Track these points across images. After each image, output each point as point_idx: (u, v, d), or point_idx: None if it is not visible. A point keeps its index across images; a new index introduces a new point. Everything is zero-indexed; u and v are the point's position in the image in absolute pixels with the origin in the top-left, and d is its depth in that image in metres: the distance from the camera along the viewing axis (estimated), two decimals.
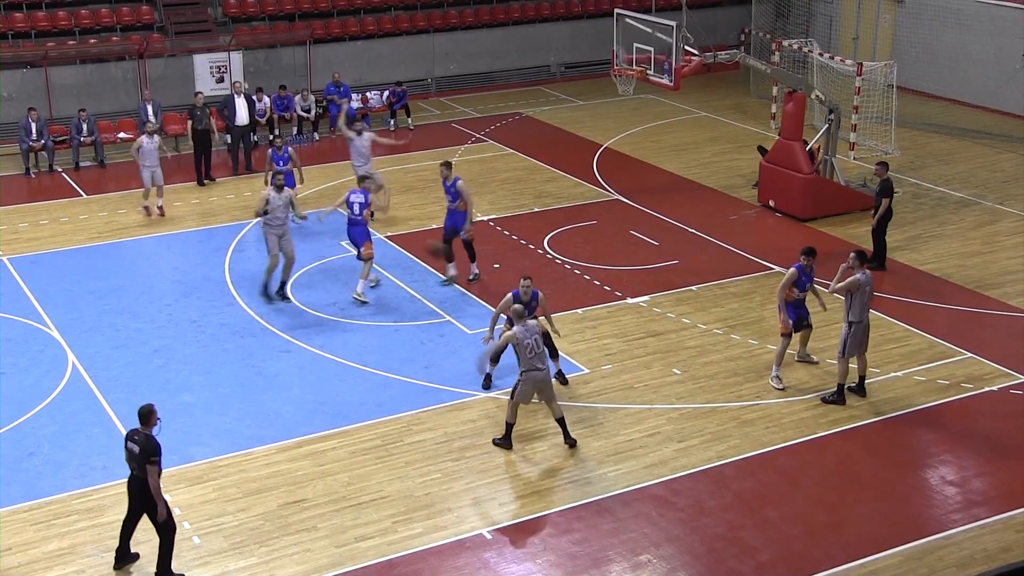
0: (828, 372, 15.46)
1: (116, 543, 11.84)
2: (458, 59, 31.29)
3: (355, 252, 18.12)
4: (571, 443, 13.80)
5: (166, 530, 11.26)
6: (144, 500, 11.16)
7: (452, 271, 18.25)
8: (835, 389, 14.92)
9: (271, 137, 23.11)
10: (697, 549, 12.09)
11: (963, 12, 28.91)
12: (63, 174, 24.21)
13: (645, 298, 17.99)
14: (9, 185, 23.45)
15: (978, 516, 12.63)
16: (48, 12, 27.74)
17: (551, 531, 12.37)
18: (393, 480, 13.21)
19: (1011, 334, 17.06)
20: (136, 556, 11.69)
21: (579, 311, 17.44)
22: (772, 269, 18.94)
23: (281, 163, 20.81)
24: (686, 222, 21.22)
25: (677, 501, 12.85)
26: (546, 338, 14.41)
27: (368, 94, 27.97)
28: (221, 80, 26.51)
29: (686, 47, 21.67)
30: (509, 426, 13.81)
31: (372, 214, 18.52)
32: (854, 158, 24.53)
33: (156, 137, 21.36)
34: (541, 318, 14.77)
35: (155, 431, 11.14)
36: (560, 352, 15.41)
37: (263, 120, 25.37)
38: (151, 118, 24.48)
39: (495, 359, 15.13)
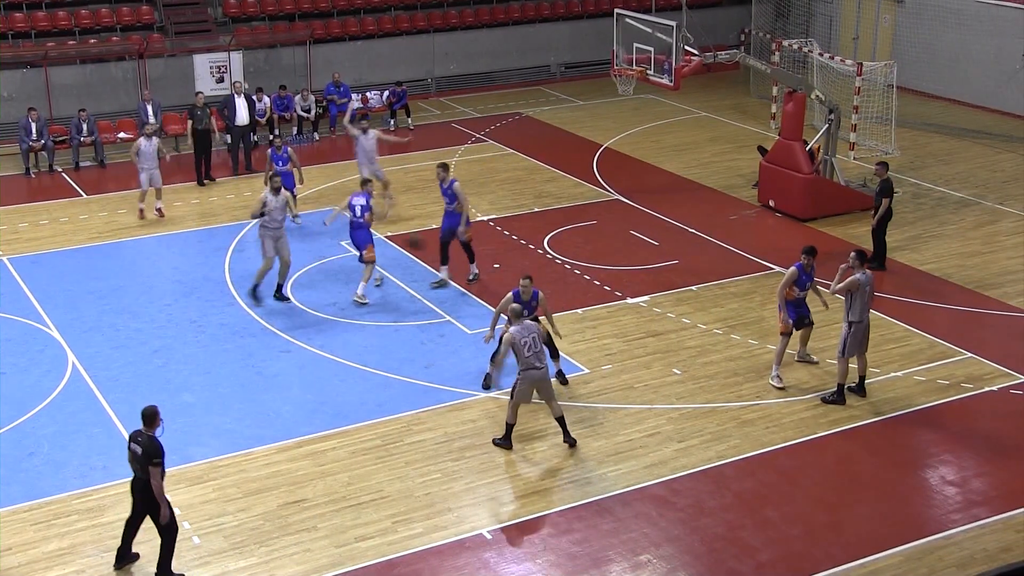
0: (828, 372, 15.46)
1: (116, 543, 11.84)
2: (458, 59, 31.29)
3: (357, 254, 18.11)
4: (571, 442, 13.81)
5: (168, 531, 11.26)
6: (147, 501, 11.16)
7: (444, 273, 18.22)
8: (835, 389, 14.93)
9: (271, 137, 23.12)
10: (697, 549, 12.09)
11: (963, 12, 28.91)
12: (63, 174, 24.21)
13: (645, 298, 18.00)
14: (9, 185, 23.45)
15: (978, 516, 12.63)
16: (48, 12, 27.75)
17: (551, 531, 12.37)
18: (393, 480, 13.21)
19: (1011, 334, 17.06)
20: (136, 556, 11.70)
21: (579, 311, 17.44)
22: (772, 269, 18.94)
23: (280, 163, 20.83)
24: (686, 222, 21.22)
25: (677, 501, 12.85)
26: (547, 338, 14.41)
27: (368, 94, 27.96)
28: (221, 80, 26.52)
29: (686, 47, 21.67)
30: (509, 426, 13.81)
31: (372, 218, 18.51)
32: (854, 158, 24.53)
33: (155, 139, 21.32)
34: (542, 318, 14.77)
35: (158, 433, 11.13)
36: (560, 352, 15.40)
37: (263, 120, 25.38)
38: (151, 118, 24.52)
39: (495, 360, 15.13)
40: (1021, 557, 11.79)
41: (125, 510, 12.45)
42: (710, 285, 18.51)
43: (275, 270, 17.68)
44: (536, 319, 14.59)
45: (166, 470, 11.32)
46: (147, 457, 10.98)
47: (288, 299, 17.79)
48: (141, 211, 21.21)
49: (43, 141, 24.14)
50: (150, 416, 11.14)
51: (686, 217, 21.44)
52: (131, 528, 11.55)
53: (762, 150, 22.91)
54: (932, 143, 26.49)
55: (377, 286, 18.15)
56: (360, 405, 14.82)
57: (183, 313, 17.42)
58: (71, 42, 27.40)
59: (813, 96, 22.14)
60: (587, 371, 15.70)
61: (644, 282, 18.61)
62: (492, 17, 31.98)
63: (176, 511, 11.73)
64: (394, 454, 13.73)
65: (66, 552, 11.94)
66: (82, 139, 24.47)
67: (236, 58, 26.88)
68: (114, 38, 27.74)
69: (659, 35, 21.80)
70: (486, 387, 15.14)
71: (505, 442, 13.80)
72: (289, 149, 21.02)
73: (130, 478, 12.85)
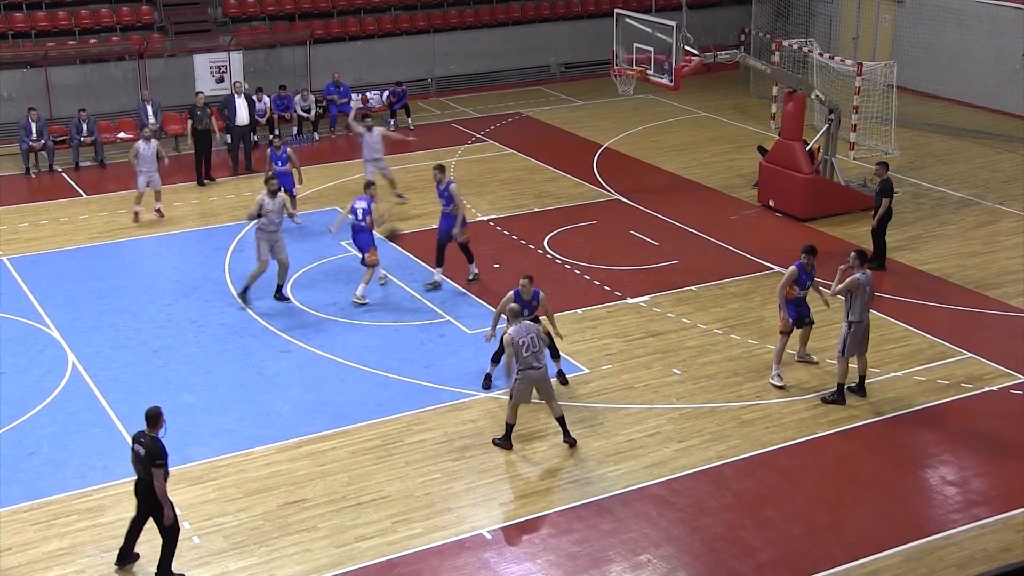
0: (828, 372, 15.46)
1: (116, 543, 11.85)
2: (458, 59, 31.29)
3: (358, 255, 18.10)
4: (571, 442, 13.80)
5: (170, 532, 11.26)
6: (150, 503, 11.15)
7: (438, 276, 18.21)
8: (835, 389, 14.93)
9: (270, 137, 23.13)
10: (697, 549, 12.09)
11: (963, 12, 28.91)
12: (63, 174, 24.21)
13: (645, 298, 18.00)
14: (9, 185, 23.45)
15: (978, 516, 12.63)
16: (48, 12, 27.75)
17: (551, 531, 12.37)
18: (393, 480, 13.21)
19: (1011, 334, 17.06)
20: (136, 556, 11.70)
21: (579, 311, 17.44)
22: (772, 269, 18.94)
23: (279, 163, 20.84)
24: (686, 222, 21.22)
25: (677, 501, 12.85)
26: (548, 339, 14.39)
27: (368, 94, 27.96)
28: (221, 80, 26.52)
29: (686, 47, 21.67)
30: (509, 426, 13.81)
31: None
32: (854, 158, 24.53)
33: (154, 142, 21.25)
34: (543, 318, 14.77)
35: (161, 434, 11.12)
36: (560, 352, 15.40)
37: (263, 120, 25.38)
38: (151, 118, 24.54)
39: (496, 360, 15.13)
40: (1021, 557, 11.79)
41: (125, 510, 12.47)
42: (710, 285, 18.51)
43: (273, 272, 17.65)
44: (537, 319, 14.59)
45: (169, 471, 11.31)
46: (150, 458, 10.97)
47: (288, 299, 17.79)
48: (136, 214, 21.10)
49: (43, 141, 24.14)
50: (153, 417, 11.13)
51: (686, 217, 21.44)
52: (135, 529, 11.54)
53: (762, 150, 22.91)
54: (932, 143, 26.49)
55: (381, 284, 18.17)
56: (360, 405, 14.82)
57: (183, 313, 17.42)
58: (71, 42, 27.40)
59: (813, 96, 22.14)
60: (587, 371, 15.70)
61: (644, 282, 18.60)
62: (492, 17, 31.98)
63: (176, 511, 11.73)
64: (394, 454, 13.73)
65: (66, 552, 11.94)
66: (82, 139, 24.47)
67: (236, 58, 26.88)
68: (114, 38, 27.75)
69: (659, 35, 21.80)
70: (486, 387, 15.14)
71: (505, 442, 13.80)
72: (288, 149, 21.03)
73: (130, 478, 12.92)
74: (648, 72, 22.14)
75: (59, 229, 21.01)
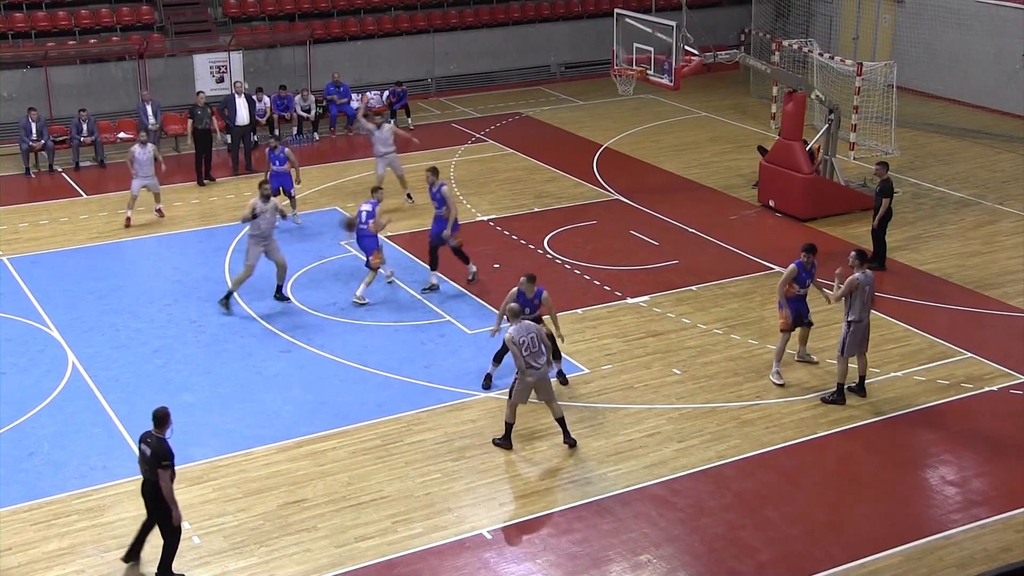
0: (828, 372, 15.46)
1: (116, 543, 11.92)
2: (458, 59, 31.29)
3: (357, 254, 18.10)
4: (571, 443, 13.80)
5: (172, 533, 11.26)
6: (156, 504, 11.14)
7: (435, 278, 18.20)
8: (835, 389, 14.92)
9: (269, 138, 23.12)
10: (697, 549, 12.09)
11: (963, 12, 28.91)
12: (63, 174, 24.21)
13: (645, 298, 18.00)
14: (9, 185, 23.45)
15: (978, 516, 12.64)
16: (48, 12, 27.75)
17: (551, 531, 12.37)
18: (393, 480, 13.21)
19: (1011, 334, 17.06)
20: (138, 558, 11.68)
21: (579, 311, 17.44)
22: (772, 269, 18.94)
23: (277, 163, 20.83)
24: (686, 222, 21.22)
25: (677, 501, 12.85)
26: (550, 339, 14.37)
27: (368, 94, 27.95)
28: (221, 80, 26.52)
29: (686, 47, 21.66)
30: (508, 426, 13.81)
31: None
32: (854, 158, 24.53)
33: (149, 146, 21.14)
34: (546, 318, 14.76)
35: (168, 435, 11.12)
36: (561, 353, 15.39)
37: (263, 120, 25.38)
38: (151, 118, 24.55)
39: (498, 359, 15.13)
40: (1021, 557, 11.79)
41: (125, 510, 12.50)
42: (710, 285, 18.51)
43: (272, 272, 17.63)
44: (540, 319, 14.60)
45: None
46: (156, 459, 10.97)
47: (288, 299, 17.79)
48: (128, 219, 20.97)
49: (43, 141, 24.14)
50: (161, 418, 11.12)
51: (686, 217, 21.44)
52: (146, 530, 11.54)
53: (762, 150, 22.90)
54: (932, 143, 26.49)
55: (388, 283, 18.16)
56: (360, 405, 14.82)
57: (183, 313, 17.42)
58: (71, 42, 27.40)
59: (813, 96, 22.14)
60: (587, 371, 15.70)
61: (644, 282, 18.61)
62: (492, 17, 31.98)
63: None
64: (394, 454, 13.73)
65: (66, 552, 11.94)
66: (82, 139, 24.47)
67: (236, 58, 26.88)
68: (114, 38, 27.75)
69: (659, 35, 21.80)
70: (486, 387, 15.13)
71: (505, 442, 13.80)
72: (286, 150, 21.02)
73: (130, 478, 12.94)
74: (648, 72, 22.14)
75: (59, 229, 21.01)
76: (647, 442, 13.99)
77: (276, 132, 25.25)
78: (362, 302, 17.58)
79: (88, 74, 27.04)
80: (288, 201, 21.05)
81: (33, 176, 24.06)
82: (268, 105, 25.51)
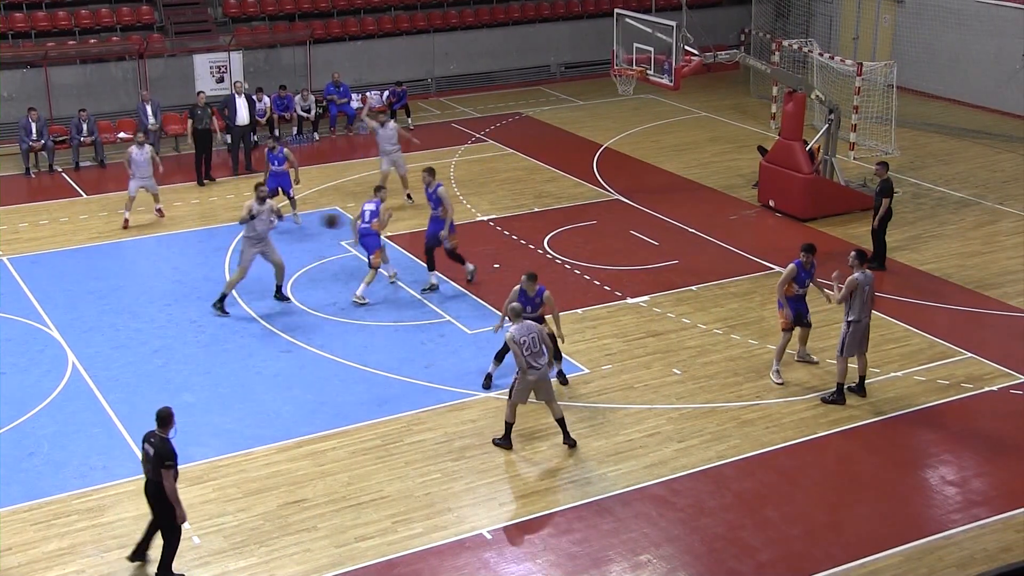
0: (828, 372, 15.46)
1: (116, 543, 11.94)
2: (458, 59, 31.29)
3: (356, 254, 18.10)
4: (571, 444, 13.80)
5: (173, 533, 11.26)
6: (158, 503, 11.14)
7: (434, 279, 18.20)
8: (835, 389, 14.92)
9: (268, 138, 23.14)
10: (697, 549, 12.09)
11: (963, 12, 28.91)
12: (63, 174, 24.21)
13: (645, 298, 18.00)
14: (9, 185, 23.45)
15: (978, 516, 12.64)
16: (48, 12, 27.75)
17: (551, 531, 12.37)
18: (393, 480, 13.21)
19: (1011, 334, 17.06)
20: (147, 558, 11.63)
21: (579, 311, 17.44)
22: (772, 269, 18.94)
23: (276, 163, 20.83)
24: (686, 222, 21.22)
25: (677, 501, 12.85)
26: (551, 339, 14.35)
27: (368, 94, 27.95)
28: (221, 80, 26.52)
29: (686, 47, 21.66)
30: (508, 426, 13.81)
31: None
32: (854, 158, 24.53)
33: (147, 147, 21.09)
34: (549, 317, 14.76)
35: (171, 435, 11.12)
36: (562, 353, 15.38)
37: (263, 120, 25.38)
38: (151, 118, 24.54)
39: (499, 359, 15.14)
40: (1021, 557, 11.79)
41: (125, 510, 12.51)
42: (710, 285, 18.51)
43: (271, 273, 17.63)
44: (542, 318, 14.59)
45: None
46: (159, 459, 10.97)
47: (288, 299, 17.79)
48: (126, 221, 20.92)
49: (43, 141, 24.14)
50: (164, 418, 11.13)
51: (686, 217, 21.44)
52: (152, 530, 11.53)
53: (762, 150, 22.91)
54: (932, 143, 26.49)
55: (391, 283, 18.16)
56: (360, 405, 14.82)
57: (183, 313, 17.42)
58: (71, 42, 27.40)
59: (813, 96, 22.14)
60: (587, 371, 15.70)
61: (644, 282, 18.61)
62: (492, 17, 31.98)
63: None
64: (394, 454, 13.73)
65: (66, 552, 11.94)
66: (82, 139, 24.47)
67: (236, 58, 26.88)
68: (114, 38, 27.75)
69: (659, 35, 21.80)
70: (486, 387, 15.14)
71: (505, 442, 13.80)
72: (285, 150, 21.01)
73: (130, 478, 12.96)
74: (648, 72, 22.14)
75: (59, 229, 21.01)
76: (647, 442, 13.99)
77: (276, 132, 25.25)
78: (362, 302, 17.58)
79: (88, 74, 27.04)
80: (287, 201, 21.06)
81: (33, 176, 24.06)
82: (268, 105, 25.51)
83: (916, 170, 24.42)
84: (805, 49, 26.99)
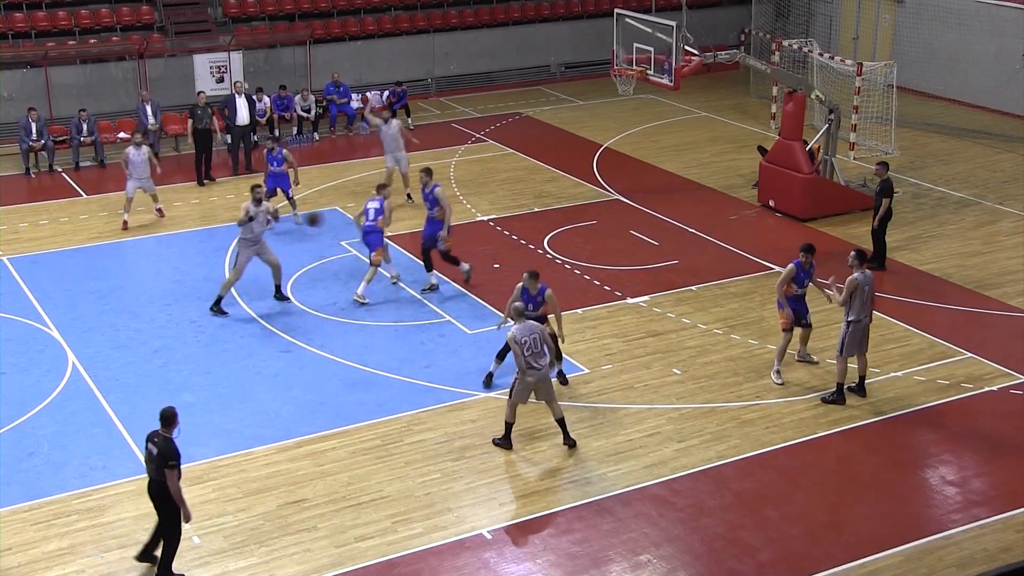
0: (828, 372, 15.46)
1: (116, 543, 11.96)
2: (458, 59, 31.30)
3: (357, 254, 18.10)
4: (570, 444, 13.80)
5: (173, 533, 11.25)
6: (159, 502, 11.14)
7: (434, 278, 18.19)
8: (835, 389, 14.92)
9: (268, 138, 23.14)
10: (697, 549, 12.09)
11: (963, 12, 28.91)
12: (63, 174, 24.21)
13: (645, 298, 18.00)
14: (9, 185, 23.45)
15: (978, 516, 12.64)
16: (48, 12, 27.75)
17: (551, 531, 12.37)
18: (393, 480, 13.21)
19: (1011, 334, 17.06)
20: (155, 558, 11.59)
21: (579, 311, 17.44)
22: (772, 269, 18.93)
23: (275, 164, 20.83)
24: (686, 222, 21.22)
25: (677, 501, 12.85)
26: (552, 339, 14.35)
27: (368, 94, 27.96)
28: (221, 80, 26.51)
29: (686, 47, 21.66)
30: (508, 426, 13.81)
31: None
32: (854, 158, 24.53)
33: (144, 148, 21.05)
34: (551, 316, 14.75)
35: (175, 435, 11.12)
36: (561, 353, 15.37)
37: (263, 120, 25.38)
38: (150, 118, 24.55)
39: (500, 357, 15.14)
40: (1021, 557, 11.79)
41: (125, 510, 12.52)
42: (710, 285, 18.51)
43: (270, 273, 17.63)
44: (545, 318, 14.59)
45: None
46: (163, 459, 10.97)
47: (288, 299, 17.79)
48: (125, 223, 20.88)
49: (43, 141, 24.13)
50: (168, 417, 11.13)
51: (686, 217, 21.44)
52: (159, 530, 11.53)
53: (762, 150, 22.91)
54: (932, 143, 26.49)
55: (393, 284, 18.16)
56: (360, 405, 14.82)
57: (183, 313, 17.42)
58: (71, 42, 27.40)
59: (813, 96, 22.14)
60: (587, 371, 15.70)
61: (644, 282, 18.61)
62: (492, 17, 31.98)
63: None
64: (394, 454, 13.73)
65: (66, 552, 11.94)
66: (82, 139, 24.47)
67: (236, 58, 26.88)
68: (114, 38, 27.75)
69: (659, 35, 21.80)
70: (487, 385, 15.14)
71: (505, 442, 13.80)
72: (284, 151, 21.01)
73: (130, 478, 12.97)
74: (648, 72, 22.14)
75: (59, 229, 21.01)
76: (647, 442, 13.99)
77: (276, 132, 25.26)
78: (362, 301, 17.58)
79: (88, 74, 27.04)
80: (286, 202, 21.06)
81: (33, 176, 24.06)
82: (268, 105, 25.51)
83: (916, 170, 24.42)
84: (805, 49, 26.99)
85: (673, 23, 21.32)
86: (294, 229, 20.45)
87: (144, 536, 11.80)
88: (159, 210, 21.40)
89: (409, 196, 21.95)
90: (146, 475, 11.40)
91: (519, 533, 12.36)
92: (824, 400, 14.89)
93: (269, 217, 17.46)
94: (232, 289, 17.65)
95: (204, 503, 12.72)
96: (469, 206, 21.97)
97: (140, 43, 26.78)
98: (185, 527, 11.60)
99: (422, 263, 18.26)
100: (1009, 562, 11.53)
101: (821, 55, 26.30)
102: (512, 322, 13.71)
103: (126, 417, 14.32)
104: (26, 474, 13.26)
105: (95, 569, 11.70)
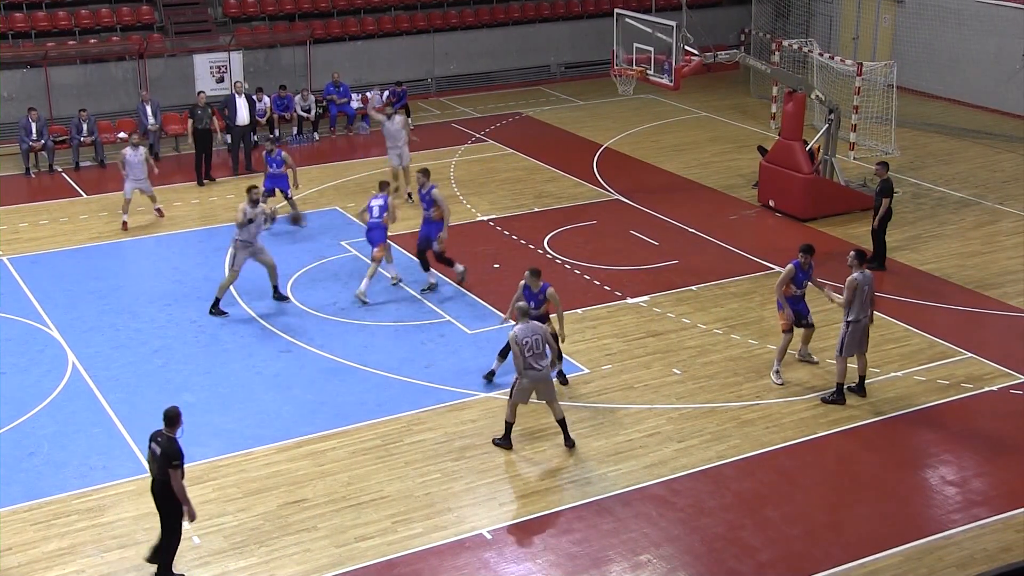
0: (828, 372, 15.46)
1: (116, 543, 11.97)
2: (458, 59, 31.30)
3: (356, 253, 18.11)
4: (570, 444, 13.80)
5: (173, 533, 11.25)
6: (162, 502, 11.14)
7: (432, 279, 18.19)
8: (835, 389, 14.92)
9: (267, 139, 23.15)
10: (697, 549, 12.09)
11: (963, 12, 28.91)
12: (63, 174, 24.21)
13: (645, 298, 18.00)
14: (9, 185, 23.45)
15: (978, 516, 12.64)
16: (48, 12, 27.75)
17: (551, 531, 12.37)
18: (393, 480, 13.21)
19: (1011, 334, 17.06)
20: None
21: (579, 311, 17.43)
22: (772, 269, 18.93)
23: (274, 165, 20.83)
24: (686, 222, 21.22)
25: (677, 501, 12.85)
26: (554, 338, 14.33)
27: (368, 94, 27.95)
28: (221, 80, 26.52)
29: (686, 47, 21.66)
30: (508, 426, 13.81)
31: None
32: (854, 158, 24.53)
33: (141, 149, 21.00)
34: (553, 316, 14.75)
35: (178, 434, 11.13)
36: (563, 354, 15.36)
37: (263, 120, 25.38)
38: (150, 118, 24.56)
39: (503, 355, 15.14)
40: (1021, 557, 11.79)
41: (125, 510, 12.52)
42: (710, 285, 18.51)
43: (262, 276, 17.62)
44: (547, 317, 14.58)
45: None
46: (166, 459, 10.97)
47: (288, 298, 17.79)
48: (124, 224, 20.85)
49: (43, 141, 24.14)
50: (172, 417, 11.13)
51: (686, 217, 21.44)
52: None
53: (762, 150, 22.91)
54: (932, 143, 26.49)
55: (394, 284, 18.15)
56: (360, 405, 14.82)
57: (183, 313, 17.42)
58: (71, 42, 27.40)
59: (813, 96, 22.14)
60: (587, 371, 15.71)
61: (644, 282, 18.61)
62: (492, 17, 31.98)
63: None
64: (394, 454, 13.73)
65: (66, 552, 11.94)
66: (82, 139, 24.47)
67: (236, 58, 26.88)
68: (114, 38, 27.75)
69: (659, 35, 21.79)
70: (488, 380, 15.16)
71: (505, 442, 13.80)
72: (283, 152, 21.01)
73: (130, 478, 12.97)
74: (648, 72, 22.13)
75: (59, 229, 21.01)
76: (647, 442, 14.00)
77: (275, 133, 25.26)
78: (364, 299, 17.57)
79: (88, 74, 27.04)
80: (285, 203, 21.06)
81: (33, 176, 24.06)
82: (268, 105, 25.51)
83: (916, 170, 24.42)
84: (805, 49, 26.99)
85: (673, 23, 21.32)
86: (294, 229, 20.45)
87: (144, 536, 11.82)
88: (159, 210, 21.40)
89: (410, 195, 21.95)
90: (148, 475, 11.41)
91: (519, 533, 12.36)
92: (824, 400, 14.89)
93: (266, 218, 17.47)
94: (232, 289, 17.64)
95: (204, 503, 12.70)
96: (469, 206, 21.97)
97: (140, 43, 26.78)
98: (185, 527, 11.60)
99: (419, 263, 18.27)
100: (1009, 562, 11.53)
101: (821, 55, 26.30)
102: (513, 322, 13.70)
103: (126, 417, 14.32)
104: (26, 474, 13.26)
105: (95, 569, 11.70)
